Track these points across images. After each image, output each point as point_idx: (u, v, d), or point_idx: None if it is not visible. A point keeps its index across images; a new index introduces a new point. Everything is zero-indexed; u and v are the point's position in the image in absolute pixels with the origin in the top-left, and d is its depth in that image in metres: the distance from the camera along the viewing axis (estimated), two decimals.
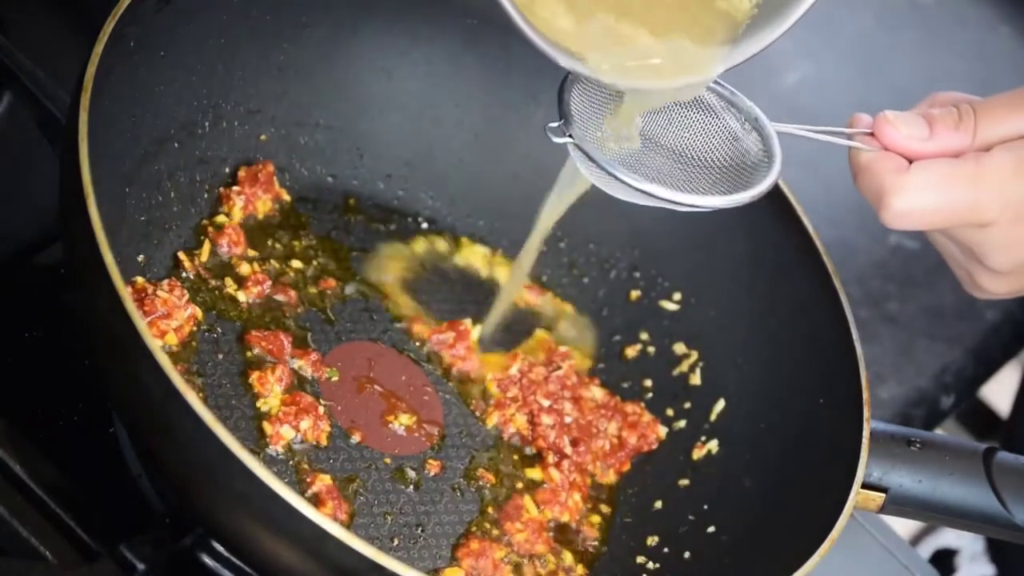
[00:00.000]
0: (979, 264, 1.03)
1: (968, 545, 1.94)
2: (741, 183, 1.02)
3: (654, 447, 1.17)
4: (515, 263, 1.19)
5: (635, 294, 1.23)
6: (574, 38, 0.96)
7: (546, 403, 1.15)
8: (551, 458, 1.13)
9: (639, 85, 0.99)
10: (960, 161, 0.99)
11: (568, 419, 1.15)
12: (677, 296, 1.22)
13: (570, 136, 1.00)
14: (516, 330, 1.20)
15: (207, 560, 0.99)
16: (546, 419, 1.14)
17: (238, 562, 0.99)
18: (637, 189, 1.00)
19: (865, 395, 1.07)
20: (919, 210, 0.99)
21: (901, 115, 1.00)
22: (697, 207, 1.01)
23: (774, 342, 1.16)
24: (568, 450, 1.13)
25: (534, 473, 1.13)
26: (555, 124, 1.01)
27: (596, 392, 1.18)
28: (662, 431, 1.17)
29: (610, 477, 1.15)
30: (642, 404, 1.18)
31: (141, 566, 0.93)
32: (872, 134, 1.01)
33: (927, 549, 1.96)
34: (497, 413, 1.14)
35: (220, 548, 0.98)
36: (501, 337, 1.19)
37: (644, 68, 0.98)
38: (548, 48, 0.94)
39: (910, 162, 1.00)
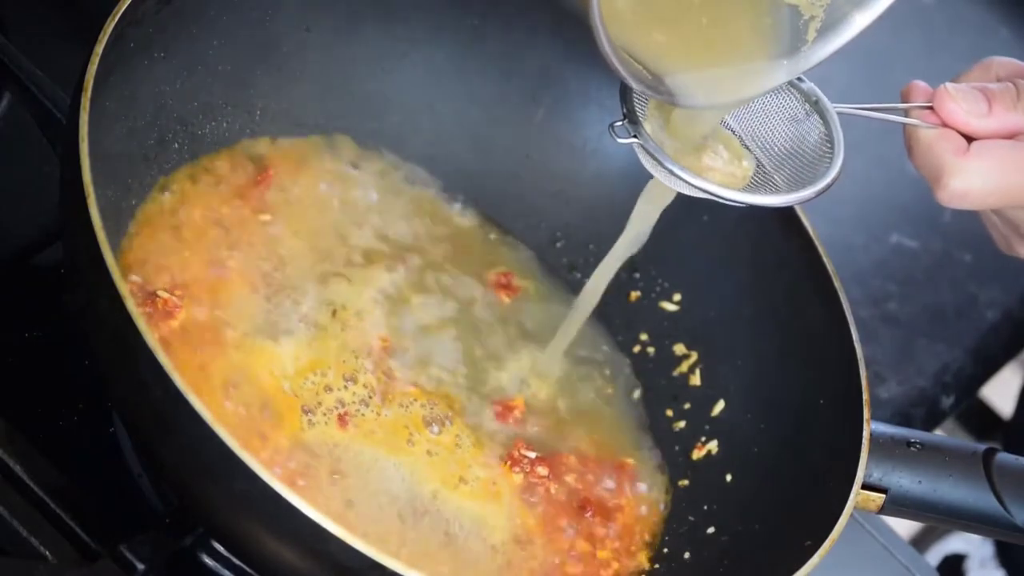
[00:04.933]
0: (1020, 237, 1.06)
1: (976, 550, 1.94)
2: (802, 169, 1.02)
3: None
4: (588, 285, 1.14)
5: (635, 295, 1.23)
6: (653, 57, 0.96)
7: (532, 455, 1.12)
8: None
9: (705, 103, 1.00)
10: (1020, 145, 1.00)
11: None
12: (677, 297, 1.22)
13: (635, 136, 1.00)
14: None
15: (207, 560, 0.99)
16: (540, 470, 1.12)
17: (238, 562, 0.99)
18: (701, 189, 1.00)
19: (865, 395, 1.07)
20: (976, 192, 1.00)
21: (961, 89, 1.01)
22: (766, 206, 1.01)
23: (774, 342, 1.16)
24: (564, 523, 1.11)
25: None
26: (618, 123, 1.01)
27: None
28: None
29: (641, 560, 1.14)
30: None
31: (141, 566, 0.93)
32: (930, 107, 1.01)
33: (936, 555, 1.96)
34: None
35: (220, 548, 0.99)
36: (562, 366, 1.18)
37: (709, 86, 0.98)
38: (619, 65, 0.93)
39: (967, 139, 1.01)
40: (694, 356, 1.20)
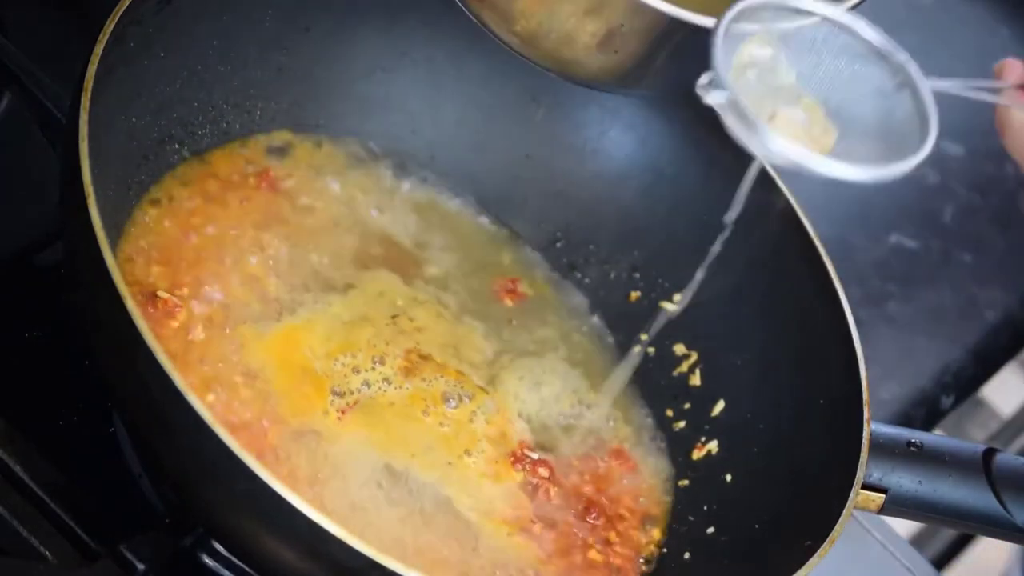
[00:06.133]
0: None
1: None
2: (888, 143, 0.96)
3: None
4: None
5: (635, 295, 1.23)
6: None
7: (534, 455, 1.12)
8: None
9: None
10: None
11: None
12: (677, 297, 1.22)
13: (728, 91, 0.88)
14: None
15: (207, 560, 0.99)
16: (542, 471, 1.12)
17: (238, 562, 0.99)
18: (793, 157, 0.90)
19: (865, 395, 1.07)
20: None
21: None
22: (855, 180, 0.92)
23: (774, 342, 1.16)
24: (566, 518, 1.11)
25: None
26: (705, 80, 0.90)
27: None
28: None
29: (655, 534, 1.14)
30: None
31: (141, 566, 0.93)
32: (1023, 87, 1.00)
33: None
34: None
35: (220, 548, 0.99)
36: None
37: None
38: None
39: None
40: (694, 356, 1.20)
